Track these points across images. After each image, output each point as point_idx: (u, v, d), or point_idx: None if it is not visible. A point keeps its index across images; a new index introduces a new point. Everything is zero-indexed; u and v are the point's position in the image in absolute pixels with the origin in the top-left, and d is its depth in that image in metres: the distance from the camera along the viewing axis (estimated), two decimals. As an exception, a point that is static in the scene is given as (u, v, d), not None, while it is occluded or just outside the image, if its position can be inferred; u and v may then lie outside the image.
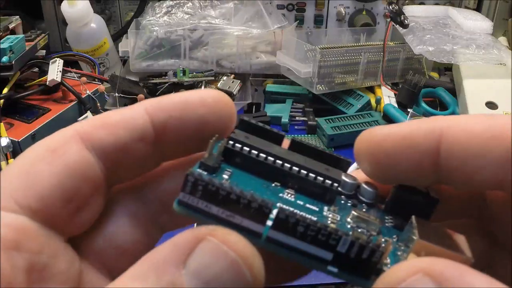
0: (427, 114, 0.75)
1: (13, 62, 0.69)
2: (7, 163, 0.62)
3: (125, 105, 0.79)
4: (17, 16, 0.82)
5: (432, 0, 0.99)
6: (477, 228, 0.22)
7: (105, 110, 0.76)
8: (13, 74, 0.71)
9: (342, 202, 0.20)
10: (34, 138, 0.67)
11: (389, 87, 0.82)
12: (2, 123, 0.66)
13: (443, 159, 0.18)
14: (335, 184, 0.19)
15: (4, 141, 0.63)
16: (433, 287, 0.15)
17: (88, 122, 0.19)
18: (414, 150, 0.19)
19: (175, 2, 0.88)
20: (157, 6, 0.88)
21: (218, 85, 0.82)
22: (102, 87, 0.77)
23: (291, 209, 0.17)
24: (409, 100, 0.77)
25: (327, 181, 0.19)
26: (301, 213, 0.18)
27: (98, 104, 0.75)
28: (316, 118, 0.76)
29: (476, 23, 0.87)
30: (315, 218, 0.18)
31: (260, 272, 0.16)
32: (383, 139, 0.19)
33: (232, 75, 0.84)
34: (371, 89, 0.84)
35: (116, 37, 0.93)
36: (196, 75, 0.81)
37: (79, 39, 0.85)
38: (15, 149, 0.65)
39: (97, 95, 0.76)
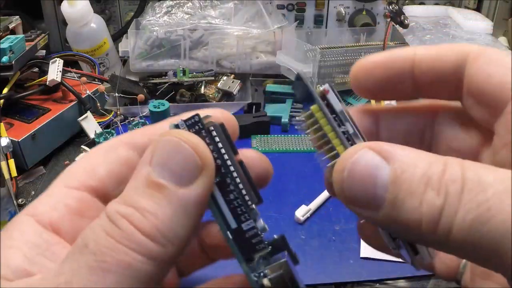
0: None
1: (13, 62, 0.70)
2: (7, 163, 0.62)
3: (125, 105, 0.79)
4: (17, 16, 0.82)
5: (432, 0, 0.99)
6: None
7: (105, 110, 0.76)
8: (13, 74, 0.71)
9: None
10: (34, 138, 0.67)
11: (389, 87, 0.82)
12: (2, 123, 0.66)
13: (417, 68, 0.25)
14: None
15: (4, 141, 0.63)
16: (375, 155, 0.21)
17: (130, 133, 0.27)
18: (395, 64, 0.25)
19: (175, 2, 0.88)
20: (157, 6, 0.88)
21: (218, 85, 0.82)
22: (102, 87, 0.77)
23: None
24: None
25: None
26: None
27: (98, 104, 0.75)
28: (316, 118, 0.76)
29: (476, 23, 0.87)
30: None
31: (198, 144, 0.22)
32: (375, 58, 0.26)
33: (232, 75, 0.84)
34: (371, 89, 0.84)
35: (116, 37, 0.93)
36: (196, 75, 0.81)
37: (79, 39, 0.85)
38: (15, 149, 0.65)
39: (97, 95, 0.76)
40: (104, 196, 0.24)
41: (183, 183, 0.21)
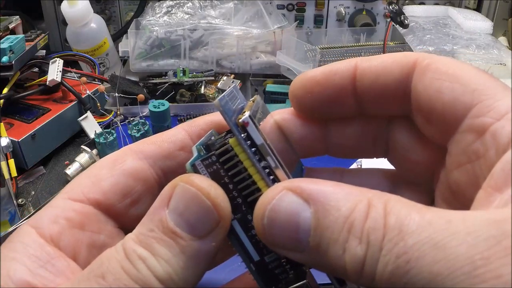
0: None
1: (13, 62, 0.69)
2: (7, 163, 0.62)
3: (125, 105, 0.79)
4: (17, 16, 0.82)
5: (432, 0, 0.99)
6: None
7: (105, 110, 0.76)
8: (13, 74, 0.71)
9: None
10: (34, 138, 0.67)
11: (389, 87, 0.82)
12: (2, 123, 0.66)
13: (358, 84, 0.24)
14: None
15: (4, 141, 0.62)
16: (295, 197, 0.20)
17: (140, 142, 0.26)
18: (334, 81, 0.24)
19: (175, 2, 0.88)
20: (157, 6, 0.88)
21: (218, 85, 0.82)
22: (102, 87, 0.77)
23: None
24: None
25: None
26: None
27: (98, 104, 0.75)
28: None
29: (476, 23, 0.87)
30: None
31: (217, 196, 0.21)
32: (313, 75, 0.25)
33: (232, 75, 0.84)
34: (371, 89, 0.84)
35: (116, 37, 0.93)
36: (196, 75, 0.81)
37: (79, 39, 0.85)
38: (15, 149, 0.65)
39: (97, 95, 0.76)
40: (108, 209, 0.25)
41: (198, 235, 0.21)
